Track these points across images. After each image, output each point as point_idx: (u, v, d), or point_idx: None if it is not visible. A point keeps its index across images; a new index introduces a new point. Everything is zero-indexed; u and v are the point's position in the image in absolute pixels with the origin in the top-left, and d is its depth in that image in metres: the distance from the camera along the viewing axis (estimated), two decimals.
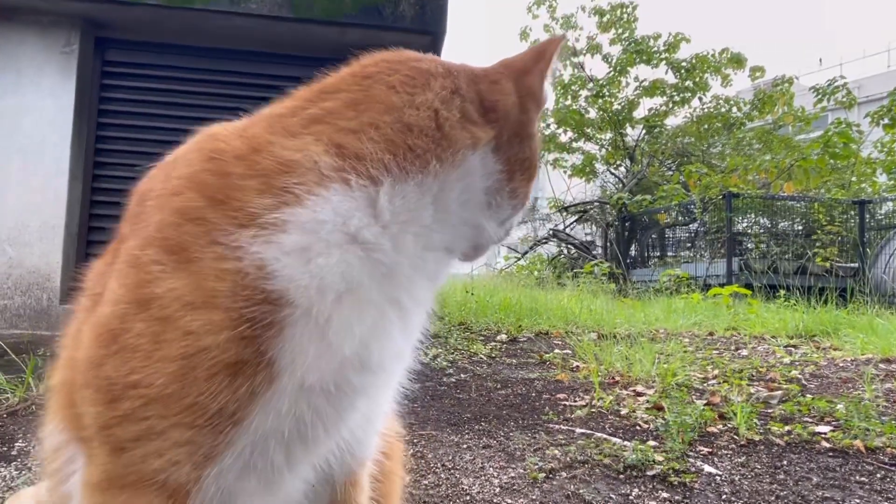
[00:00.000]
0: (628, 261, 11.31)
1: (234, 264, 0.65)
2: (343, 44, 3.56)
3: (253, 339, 0.64)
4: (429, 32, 3.38)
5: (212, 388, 0.63)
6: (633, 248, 11.80)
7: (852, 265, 8.52)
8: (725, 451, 1.73)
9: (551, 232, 12.23)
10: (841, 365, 3.60)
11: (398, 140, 0.73)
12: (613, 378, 2.77)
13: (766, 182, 9.16)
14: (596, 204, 12.14)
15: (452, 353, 3.33)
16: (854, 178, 11.64)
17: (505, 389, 2.56)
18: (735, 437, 1.86)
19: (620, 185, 11.84)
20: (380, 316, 0.72)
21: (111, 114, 3.47)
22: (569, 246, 12.11)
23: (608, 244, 11.71)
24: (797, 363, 3.65)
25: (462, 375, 2.78)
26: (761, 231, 8.83)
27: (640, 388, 2.60)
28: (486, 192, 0.81)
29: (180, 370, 0.63)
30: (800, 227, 9.02)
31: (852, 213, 8.74)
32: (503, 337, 4.23)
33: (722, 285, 8.21)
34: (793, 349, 4.36)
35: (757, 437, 1.86)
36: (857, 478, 1.55)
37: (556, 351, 3.71)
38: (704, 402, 2.33)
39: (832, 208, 8.40)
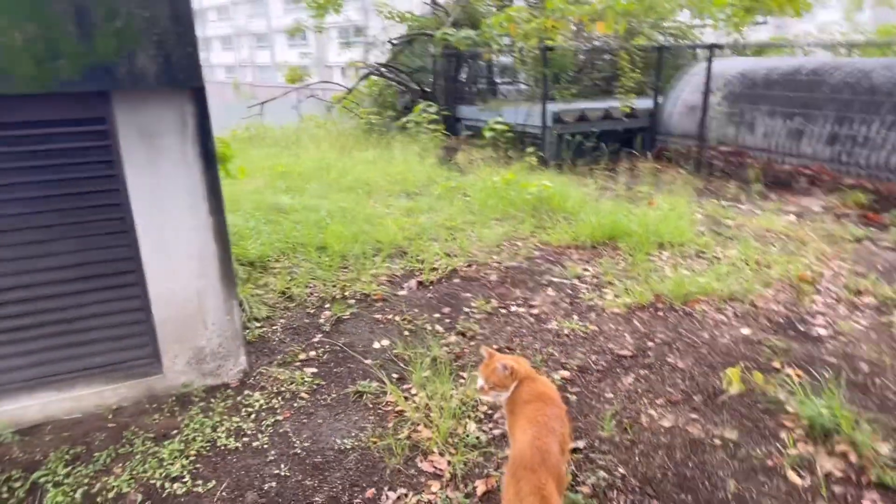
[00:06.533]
0: (456, 96, 10.95)
1: None
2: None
3: None
4: (183, 86, 2.55)
5: None
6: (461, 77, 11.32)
7: (649, 107, 9.00)
8: None
9: (377, 68, 11.25)
10: (612, 314, 3.99)
11: None
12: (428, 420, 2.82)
13: (580, 24, 8.88)
14: (423, 37, 11.13)
15: (271, 399, 3.09)
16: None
17: (320, 490, 2.50)
18: None
19: (446, 16, 10.83)
20: None
21: None
22: (397, 82, 11.33)
23: (435, 78, 11.12)
24: (584, 316, 3.98)
25: (280, 467, 2.66)
26: (570, 81, 8.85)
27: (436, 460, 2.61)
28: None
29: None
30: (608, 74, 9.14)
31: (653, 57, 8.96)
32: (327, 316, 4.03)
33: (538, 139, 8.38)
34: (586, 286, 4.69)
35: None
36: None
37: (376, 349, 3.51)
38: None
39: (634, 55, 8.51)
